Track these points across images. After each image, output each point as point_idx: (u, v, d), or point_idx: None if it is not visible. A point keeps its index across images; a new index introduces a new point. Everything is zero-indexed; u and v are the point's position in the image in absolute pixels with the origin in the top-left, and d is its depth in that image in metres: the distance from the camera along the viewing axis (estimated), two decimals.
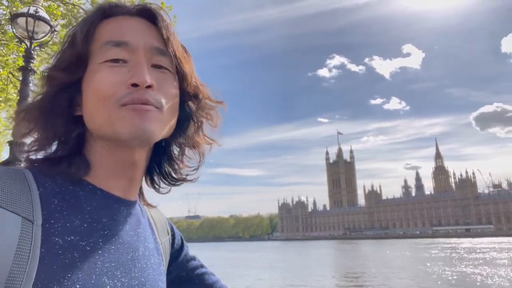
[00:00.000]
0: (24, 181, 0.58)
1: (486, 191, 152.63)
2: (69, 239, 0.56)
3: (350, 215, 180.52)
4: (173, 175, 0.79)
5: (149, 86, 0.63)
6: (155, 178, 0.80)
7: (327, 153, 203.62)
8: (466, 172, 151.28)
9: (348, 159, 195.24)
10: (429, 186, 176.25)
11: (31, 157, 0.65)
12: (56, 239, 0.54)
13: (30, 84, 4.85)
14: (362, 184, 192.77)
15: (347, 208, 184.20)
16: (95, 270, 0.56)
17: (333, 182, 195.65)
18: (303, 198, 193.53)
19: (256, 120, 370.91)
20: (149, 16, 0.69)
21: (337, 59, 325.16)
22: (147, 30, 0.67)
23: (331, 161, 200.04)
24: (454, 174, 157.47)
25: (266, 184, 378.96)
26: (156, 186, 0.80)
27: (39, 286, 0.49)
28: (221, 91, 0.76)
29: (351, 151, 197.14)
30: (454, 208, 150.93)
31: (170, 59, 0.68)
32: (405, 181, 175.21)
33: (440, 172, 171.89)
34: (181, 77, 0.71)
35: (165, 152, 0.78)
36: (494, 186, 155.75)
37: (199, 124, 0.77)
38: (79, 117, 0.66)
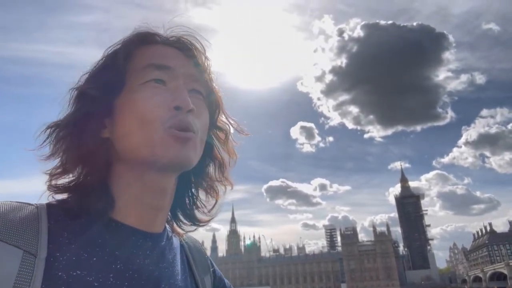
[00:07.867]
0: (33, 215, 0.56)
1: (268, 255, 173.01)
2: (75, 274, 0.53)
3: None
4: (191, 213, 0.78)
5: (190, 110, 0.64)
6: (177, 213, 0.77)
7: None
8: (254, 237, 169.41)
9: None
10: (222, 248, 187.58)
11: (53, 182, 0.63)
12: (60, 273, 0.52)
13: None
14: None
15: None
16: None
17: None
18: None
19: None
20: (185, 47, 0.72)
21: None
22: (185, 59, 0.71)
23: None
24: (244, 238, 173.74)
25: None
26: (178, 223, 0.78)
27: None
28: None
29: None
30: (241, 270, 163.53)
31: (204, 88, 0.71)
32: (202, 243, 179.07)
33: (233, 235, 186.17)
34: (212, 107, 0.73)
35: (187, 186, 0.76)
36: (274, 250, 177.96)
37: (221, 162, 0.76)
38: (105, 139, 0.65)
